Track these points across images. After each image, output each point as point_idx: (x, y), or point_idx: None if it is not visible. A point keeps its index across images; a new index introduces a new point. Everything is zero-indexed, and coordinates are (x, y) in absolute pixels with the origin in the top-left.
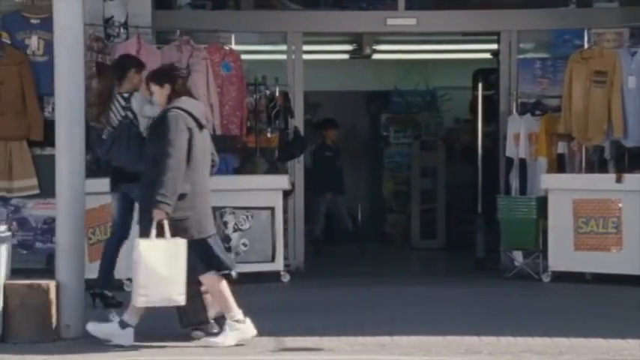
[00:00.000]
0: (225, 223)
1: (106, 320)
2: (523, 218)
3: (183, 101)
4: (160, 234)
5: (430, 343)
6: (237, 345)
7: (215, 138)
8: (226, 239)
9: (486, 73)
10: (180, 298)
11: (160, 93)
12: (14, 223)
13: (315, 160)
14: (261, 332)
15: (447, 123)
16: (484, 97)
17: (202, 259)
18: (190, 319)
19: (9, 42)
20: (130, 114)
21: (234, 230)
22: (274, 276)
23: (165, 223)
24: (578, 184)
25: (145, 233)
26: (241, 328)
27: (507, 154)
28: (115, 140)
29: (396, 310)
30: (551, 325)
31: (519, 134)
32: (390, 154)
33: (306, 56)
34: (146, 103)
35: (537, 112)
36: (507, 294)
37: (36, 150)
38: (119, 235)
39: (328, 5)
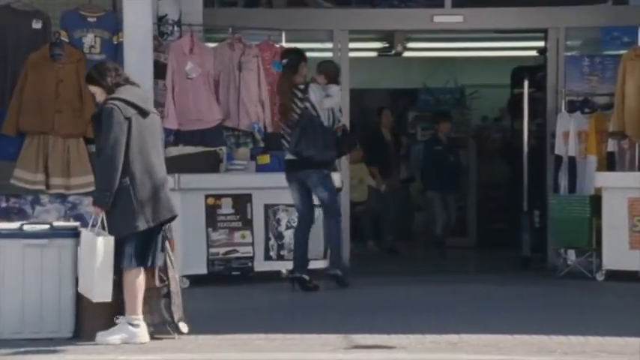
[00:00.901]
0: (278, 221)
1: (113, 326)
2: (576, 217)
3: (122, 91)
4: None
5: (500, 342)
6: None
7: (266, 135)
8: (279, 236)
9: (526, 71)
10: (91, 294)
11: (99, 93)
12: (71, 220)
13: (425, 154)
14: (327, 330)
15: (474, 121)
16: (520, 95)
17: (138, 251)
18: (154, 319)
19: (67, 40)
20: (308, 104)
21: (287, 228)
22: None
23: (101, 217)
24: (634, 182)
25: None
26: (133, 332)
27: (556, 152)
28: (302, 132)
29: (457, 308)
30: (615, 324)
31: (569, 132)
32: (417, 152)
33: (325, 54)
34: (323, 96)
35: (586, 110)
36: (564, 293)
37: (92, 147)
38: (305, 223)
39: (359, 3)
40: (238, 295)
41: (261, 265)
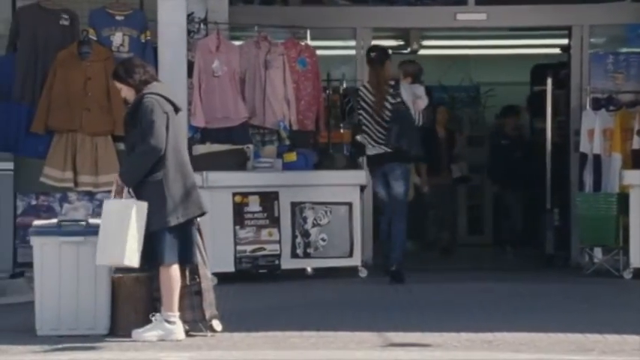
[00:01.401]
0: (305, 219)
1: (149, 323)
2: (603, 215)
3: (156, 86)
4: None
5: (535, 340)
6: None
7: (292, 133)
8: (305, 234)
9: (549, 69)
10: (121, 258)
11: (126, 89)
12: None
13: (492, 149)
14: (360, 327)
15: (488, 119)
16: (541, 92)
17: (174, 247)
18: (185, 316)
19: (95, 39)
20: (400, 100)
21: (313, 225)
22: (351, 271)
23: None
24: None
25: None
26: (169, 328)
27: (581, 149)
28: (401, 127)
29: (487, 306)
30: None
31: (594, 130)
32: None
33: (348, 52)
34: (415, 96)
35: (611, 108)
36: (592, 291)
37: (120, 145)
38: (390, 213)
39: (377, 1)
40: (266, 292)
41: (287, 263)
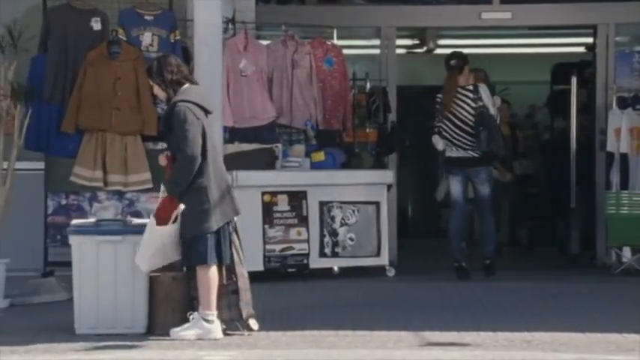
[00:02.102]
0: (333, 218)
1: (186, 322)
2: (633, 214)
3: (186, 91)
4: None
5: (574, 340)
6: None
7: (318, 133)
8: (333, 233)
9: (573, 68)
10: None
11: (157, 88)
12: (129, 217)
13: None
14: (395, 326)
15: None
16: (561, 91)
17: (212, 247)
18: (222, 315)
19: (124, 38)
20: (480, 103)
21: (341, 225)
22: (378, 270)
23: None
24: None
25: None
26: (207, 327)
27: (608, 148)
28: (490, 131)
29: (520, 305)
30: None
31: (620, 129)
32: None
33: (372, 51)
34: (489, 97)
35: (637, 107)
36: (624, 290)
37: (149, 144)
38: (463, 214)
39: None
40: (296, 291)
41: (315, 262)
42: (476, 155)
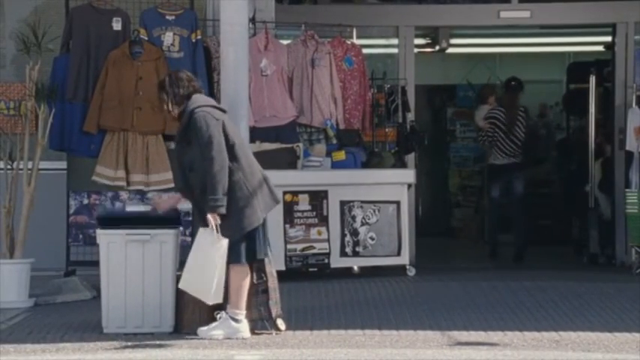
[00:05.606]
0: (354, 217)
1: (213, 321)
2: None
3: (198, 98)
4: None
5: (602, 340)
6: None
7: (338, 132)
8: (354, 233)
9: (591, 66)
10: (207, 296)
11: (170, 105)
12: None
13: None
14: (422, 326)
15: None
16: (576, 91)
17: (246, 245)
18: (252, 315)
19: (146, 38)
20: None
21: (362, 224)
22: (398, 270)
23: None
24: None
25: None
26: (235, 327)
27: (627, 147)
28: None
29: (544, 304)
30: None
31: (639, 128)
32: (457, 149)
33: (390, 50)
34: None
35: None
36: None
37: (170, 144)
38: (499, 213)
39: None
40: (319, 290)
41: (336, 262)
42: (517, 161)
